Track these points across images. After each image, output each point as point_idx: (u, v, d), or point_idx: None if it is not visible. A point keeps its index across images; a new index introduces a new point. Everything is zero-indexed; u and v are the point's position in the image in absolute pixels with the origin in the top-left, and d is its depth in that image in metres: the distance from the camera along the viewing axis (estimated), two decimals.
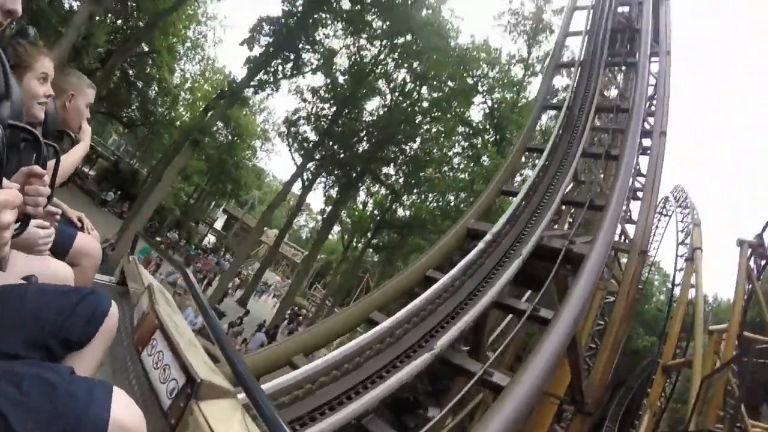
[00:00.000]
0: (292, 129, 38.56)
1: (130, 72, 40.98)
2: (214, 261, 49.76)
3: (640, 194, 15.50)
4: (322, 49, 32.56)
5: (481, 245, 10.70)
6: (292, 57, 31.49)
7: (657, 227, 40.63)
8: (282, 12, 30.69)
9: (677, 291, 27.44)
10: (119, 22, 37.09)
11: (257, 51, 30.87)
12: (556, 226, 17.17)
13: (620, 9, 18.86)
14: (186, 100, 48.46)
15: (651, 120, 15.54)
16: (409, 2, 30.00)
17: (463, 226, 12.40)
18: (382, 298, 10.32)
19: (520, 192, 12.95)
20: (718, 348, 16.71)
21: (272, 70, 31.64)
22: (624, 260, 15.51)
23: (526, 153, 16.12)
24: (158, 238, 40.66)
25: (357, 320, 9.99)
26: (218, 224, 70.61)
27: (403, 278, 11.19)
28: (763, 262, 16.75)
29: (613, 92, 18.60)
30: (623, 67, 17.91)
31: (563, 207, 16.16)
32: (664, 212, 39.82)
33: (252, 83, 31.39)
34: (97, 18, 30.32)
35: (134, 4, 34.52)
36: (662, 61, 16.70)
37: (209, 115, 32.17)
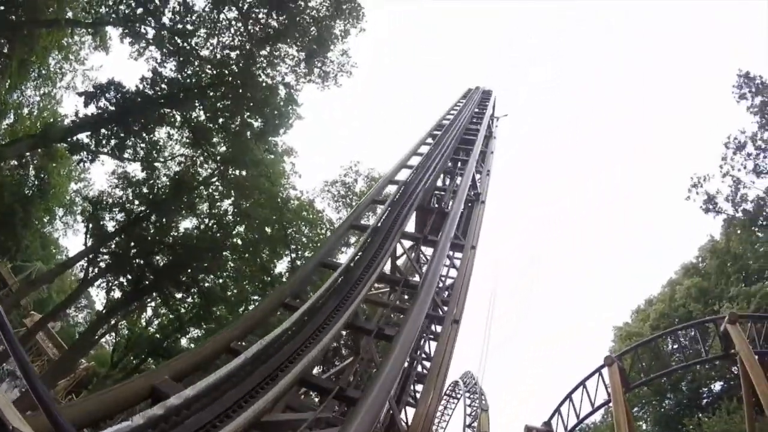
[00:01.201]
0: (96, 211, 31.82)
1: None
2: None
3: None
4: (154, 143, 28.29)
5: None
6: (121, 135, 26.75)
7: (446, 407, 37.77)
8: (136, 88, 26.49)
9: None
10: None
11: (93, 110, 26.09)
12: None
13: (437, 193, 16.97)
14: (7, 126, 38.92)
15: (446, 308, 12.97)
16: (254, 139, 27.00)
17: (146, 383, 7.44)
18: None
19: (243, 354, 8.28)
20: None
21: (96, 137, 26.67)
22: None
23: (281, 310, 11.76)
24: None
25: None
26: None
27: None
28: None
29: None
30: (425, 248, 15.57)
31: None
32: (454, 395, 37.53)
33: (69, 139, 26.16)
34: None
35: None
36: (466, 254, 14.69)
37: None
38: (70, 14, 28.46)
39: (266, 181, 28.08)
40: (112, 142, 26.89)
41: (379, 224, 13.67)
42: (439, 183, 17.83)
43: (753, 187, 31.36)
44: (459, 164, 18.47)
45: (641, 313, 44.31)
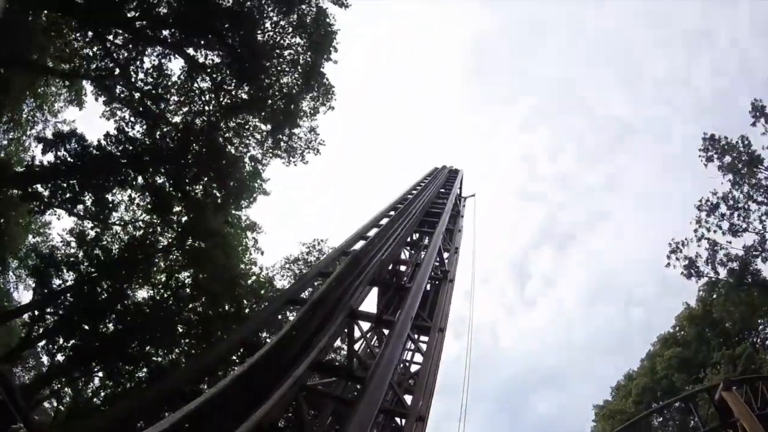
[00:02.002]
0: (45, 267, 27.49)
1: None
2: None
3: None
4: (111, 202, 25.65)
5: None
6: (77, 189, 24.03)
7: None
8: (97, 142, 24.07)
9: None
10: None
11: (50, 158, 23.65)
12: None
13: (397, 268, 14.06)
14: None
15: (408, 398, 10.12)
16: (214, 210, 24.54)
17: None
18: None
19: None
20: None
21: (51, 188, 23.90)
22: None
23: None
24: None
25: None
26: None
27: None
28: None
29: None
30: (383, 330, 12.04)
31: None
32: None
33: (28, 189, 23.78)
34: None
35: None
36: (433, 337, 11.71)
37: None
38: (50, 63, 26.83)
39: (222, 254, 24.95)
40: (67, 194, 24.06)
41: (322, 297, 10.57)
42: (403, 257, 15.16)
43: (730, 248, 30.20)
44: (425, 239, 15.97)
45: (622, 389, 41.99)
